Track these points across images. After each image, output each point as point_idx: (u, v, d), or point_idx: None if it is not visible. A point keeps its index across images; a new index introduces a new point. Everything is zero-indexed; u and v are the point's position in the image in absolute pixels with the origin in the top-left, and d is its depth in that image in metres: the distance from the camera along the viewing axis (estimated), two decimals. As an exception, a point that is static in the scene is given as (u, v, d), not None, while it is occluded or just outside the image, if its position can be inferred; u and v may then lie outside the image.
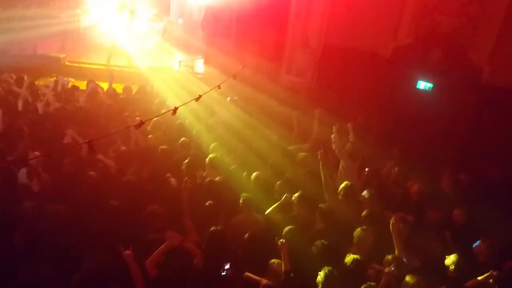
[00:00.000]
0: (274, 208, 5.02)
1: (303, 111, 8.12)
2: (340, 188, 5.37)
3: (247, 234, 4.35)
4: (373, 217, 4.91)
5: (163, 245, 3.94)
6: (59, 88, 8.13)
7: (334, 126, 6.45)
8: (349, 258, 4.12)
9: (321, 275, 3.80)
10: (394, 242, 4.49)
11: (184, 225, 4.44)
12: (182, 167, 5.59)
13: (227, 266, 3.93)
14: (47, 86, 8.07)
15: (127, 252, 3.80)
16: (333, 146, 6.06)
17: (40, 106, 7.21)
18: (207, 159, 5.82)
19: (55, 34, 12.11)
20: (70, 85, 8.71)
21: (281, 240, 4.02)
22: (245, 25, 12.80)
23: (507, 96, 7.71)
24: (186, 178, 4.88)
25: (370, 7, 9.67)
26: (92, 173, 5.18)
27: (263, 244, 4.26)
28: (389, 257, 4.25)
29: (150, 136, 6.42)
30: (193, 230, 4.46)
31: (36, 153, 5.39)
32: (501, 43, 7.99)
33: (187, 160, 5.67)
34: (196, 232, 4.46)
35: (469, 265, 4.43)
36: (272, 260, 4.08)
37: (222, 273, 3.94)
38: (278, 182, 5.50)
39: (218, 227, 4.29)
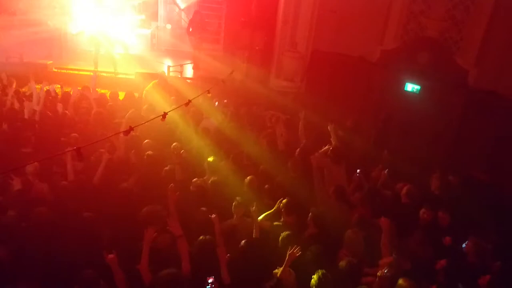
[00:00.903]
0: (266, 215, 5.02)
1: (291, 115, 8.14)
2: (331, 191, 5.38)
3: (243, 241, 4.30)
4: (364, 220, 4.92)
5: (144, 244, 3.90)
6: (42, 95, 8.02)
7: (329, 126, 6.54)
8: (344, 261, 4.12)
9: (314, 278, 3.80)
10: (382, 242, 4.50)
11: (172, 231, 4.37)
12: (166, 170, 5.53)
13: (210, 280, 3.87)
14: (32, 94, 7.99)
15: (111, 256, 3.73)
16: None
17: (26, 111, 7.14)
18: (205, 163, 5.79)
19: (42, 41, 11.98)
20: (58, 91, 8.63)
21: (297, 248, 3.95)
22: (233, 30, 12.86)
23: (493, 99, 7.83)
24: (171, 184, 4.78)
25: (357, 12, 9.79)
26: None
27: (259, 251, 4.23)
28: (386, 260, 4.25)
29: (146, 141, 6.35)
30: (183, 236, 4.39)
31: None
32: (486, 46, 8.13)
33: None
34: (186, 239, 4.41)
35: (459, 266, 4.46)
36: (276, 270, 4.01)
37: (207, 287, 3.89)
38: (266, 186, 5.50)
39: (208, 236, 4.24)
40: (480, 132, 7.79)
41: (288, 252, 3.92)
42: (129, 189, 5.14)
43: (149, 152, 5.97)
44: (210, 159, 5.84)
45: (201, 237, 4.21)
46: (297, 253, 3.91)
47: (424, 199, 5.63)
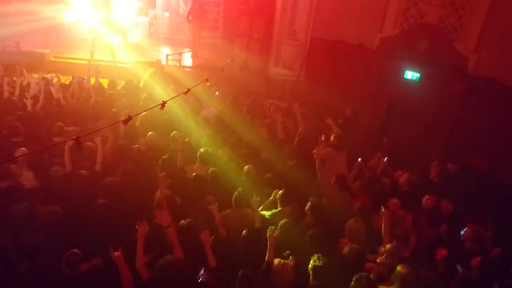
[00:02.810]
0: (265, 206, 5.05)
1: (290, 103, 8.12)
2: (333, 181, 5.40)
3: (244, 231, 4.33)
4: (366, 209, 4.94)
5: (138, 240, 3.88)
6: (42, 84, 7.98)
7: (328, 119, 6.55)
8: (347, 248, 4.15)
9: (311, 263, 3.86)
10: (383, 231, 4.53)
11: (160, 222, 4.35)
12: (161, 160, 5.52)
13: (201, 272, 3.89)
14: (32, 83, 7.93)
15: (117, 253, 3.70)
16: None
17: (29, 103, 7.11)
18: (198, 153, 5.78)
19: (38, 30, 11.87)
20: (55, 81, 8.58)
21: (272, 228, 4.03)
22: (232, 18, 12.77)
23: (492, 86, 7.81)
24: (163, 173, 4.80)
25: (356, -1, 9.72)
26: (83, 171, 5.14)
27: (257, 241, 4.25)
28: (386, 247, 4.28)
29: (150, 133, 6.30)
30: (172, 226, 4.35)
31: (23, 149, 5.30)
32: (486, 33, 8.07)
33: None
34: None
35: (458, 255, 4.49)
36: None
37: (199, 280, 3.90)
38: (267, 175, 5.50)
39: (188, 220, 4.27)
40: (479, 119, 7.77)
41: (268, 235, 3.98)
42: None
43: (137, 146, 5.96)
44: (202, 150, 5.82)
45: (181, 222, 4.25)
46: (274, 233, 3.99)
47: (423, 187, 5.66)
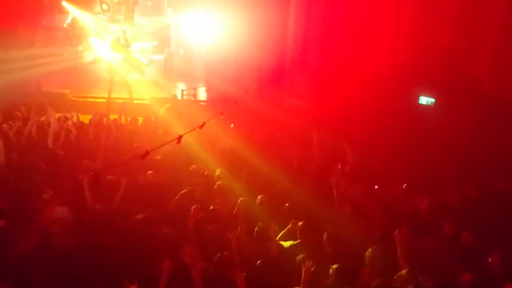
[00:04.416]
0: (282, 235, 5.00)
1: (304, 133, 8.13)
2: (349, 209, 5.34)
3: (259, 261, 4.30)
4: (384, 236, 4.85)
5: (162, 277, 3.90)
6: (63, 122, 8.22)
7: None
8: (375, 283, 4.05)
9: None
10: (399, 254, 4.44)
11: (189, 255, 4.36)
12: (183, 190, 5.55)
13: None
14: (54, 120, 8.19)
15: (133, 286, 3.73)
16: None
17: (50, 141, 7.32)
18: (215, 185, 5.81)
19: (59, 71, 12.38)
20: (74, 119, 8.84)
21: (308, 261, 3.97)
22: (244, 51, 13.04)
23: (508, 106, 7.73)
24: (196, 206, 4.84)
25: (366, 27, 9.86)
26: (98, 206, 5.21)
27: (276, 271, 4.20)
28: (403, 272, 4.17)
29: (149, 172, 6.32)
30: (199, 258, 4.36)
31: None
32: (498, 53, 8.07)
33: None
34: (202, 259, 4.39)
35: (484, 280, 4.34)
36: None
37: None
38: (285, 205, 5.49)
39: (225, 253, 4.26)
40: (497, 140, 7.67)
41: (303, 270, 3.90)
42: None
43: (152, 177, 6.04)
44: (220, 182, 5.85)
45: (218, 254, 4.22)
46: (311, 268, 3.90)
47: (444, 212, 5.54)
